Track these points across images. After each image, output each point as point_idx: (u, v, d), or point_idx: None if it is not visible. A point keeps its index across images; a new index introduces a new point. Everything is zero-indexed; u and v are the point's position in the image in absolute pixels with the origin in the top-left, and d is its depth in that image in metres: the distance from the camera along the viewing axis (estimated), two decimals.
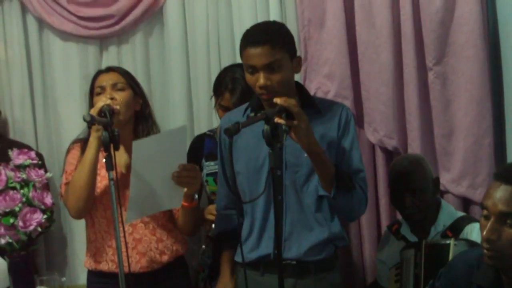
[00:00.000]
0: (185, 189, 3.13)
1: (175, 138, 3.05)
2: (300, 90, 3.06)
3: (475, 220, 3.38)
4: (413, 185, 3.37)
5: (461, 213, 3.51)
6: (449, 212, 3.46)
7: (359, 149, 3.08)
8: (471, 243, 3.12)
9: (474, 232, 3.29)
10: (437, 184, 3.49)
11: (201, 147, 3.65)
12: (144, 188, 3.01)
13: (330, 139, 2.99)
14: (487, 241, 2.34)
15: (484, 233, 2.34)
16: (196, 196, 3.26)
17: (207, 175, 3.61)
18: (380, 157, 3.88)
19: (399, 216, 3.60)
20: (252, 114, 3.01)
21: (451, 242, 3.13)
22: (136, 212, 3.06)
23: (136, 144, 2.91)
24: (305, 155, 2.91)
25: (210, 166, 3.61)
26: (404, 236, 3.48)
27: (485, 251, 2.38)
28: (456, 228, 3.35)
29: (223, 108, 3.52)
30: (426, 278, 3.12)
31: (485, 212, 2.37)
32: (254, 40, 2.86)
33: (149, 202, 3.09)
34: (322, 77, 3.90)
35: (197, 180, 3.14)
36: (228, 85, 3.48)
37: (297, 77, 3.75)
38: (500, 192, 2.32)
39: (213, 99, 3.65)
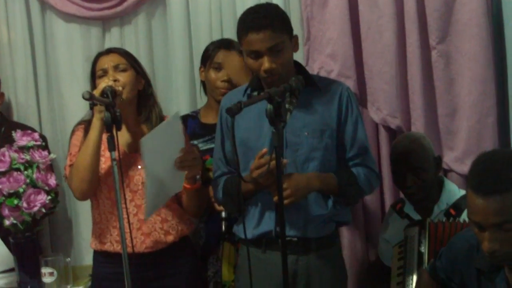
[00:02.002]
0: (186, 172, 3.16)
1: (172, 127, 3.07)
2: (299, 69, 3.08)
3: None
4: (414, 164, 3.38)
5: (464, 191, 3.51)
6: (452, 190, 3.47)
7: (364, 127, 3.14)
8: None
9: None
10: (438, 163, 3.49)
11: (185, 128, 3.64)
12: (157, 182, 3.05)
13: (328, 118, 3.03)
14: (492, 253, 2.32)
15: (486, 246, 2.31)
16: (198, 177, 3.28)
17: None
18: (383, 136, 3.88)
19: (403, 195, 3.61)
20: (255, 93, 3.02)
21: None
22: (153, 208, 3.13)
23: (144, 141, 2.93)
24: (305, 133, 2.96)
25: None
26: (408, 215, 3.48)
27: (488, 257, 2.37)
28: (459, 207, 3.36)
29: (216, 66, 3.57)
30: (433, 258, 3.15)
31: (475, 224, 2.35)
32: (255, 25, 2.88)
33: (160, 195, 3.14)
34: (325, 57, 3.88)
35: (198, 160, 3.17)
36: (221, 45, 3.57)
37: (300, 57, 3.77)
38: (485, 206, 2.27)
39: (201, 75, 3.73)
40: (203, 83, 3.76)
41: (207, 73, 3.64)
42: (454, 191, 3.48)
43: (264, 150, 2.84)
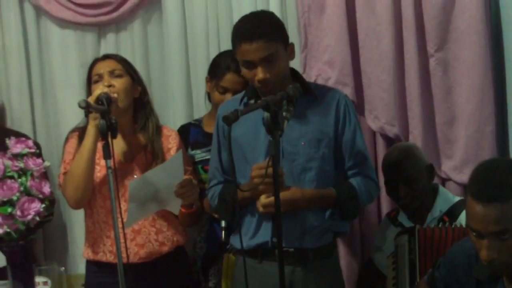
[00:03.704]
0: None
1: (172, 165, 3.08)
2: (295, 77, 3.06)
3: None
4: (406, 174, 3.37)
5: (458, 198, 3.51)
6: (446, 197, 3.47)
7: (362, 135, 3.11)
8: None
9: None
10: (431, 171, 3.49)
11: (187, 137, 3.63)
12: (142, 206, 3.08)
13: (325, 126, 3.01)
14: (490, 261, 2.31)
15: (485, 255, 2.30)
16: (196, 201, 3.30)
17: (194, 163, 3.57)
18: (381, 144, 3.86)
19: None
20: (252, 102, 3.00)
21: None
22: (134, 219, 3.12)
23: (132, 184, 2.99)
24: (302, 143, 2.95)
25: (197, 155, 3.60)
26: (401, 223, 3.48)
27: (487, 266, 2.35)
28: (453, 213, 3.36)
29: (222, 90, 3.50)
30: (427, 265, 3.14)
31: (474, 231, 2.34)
32: (248, 35, 2.87)
33: (147, 210, 3.15)
34: (323, 64, 3.86)
35: (194, 191, 3.16)
36: (230, 65, 3.47)
37: (297, 64, 3.75)
38: (485, 214, 2.26)
39: (206, 84, 3.65)
40: (208, 93, 3.70)
41: (212, 91, 3.58)
42: (448, 198, 3.48)
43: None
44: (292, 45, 3.01)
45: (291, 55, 3.01)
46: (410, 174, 3.38)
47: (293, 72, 3.10)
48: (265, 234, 2.98)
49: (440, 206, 3.43)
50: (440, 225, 3.28)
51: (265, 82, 2.88)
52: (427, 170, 3.45)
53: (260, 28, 2.86)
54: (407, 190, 3.37)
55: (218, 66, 3.56)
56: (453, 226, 3.24)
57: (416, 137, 3.72)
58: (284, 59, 2.94)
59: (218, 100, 3.52)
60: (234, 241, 3.11)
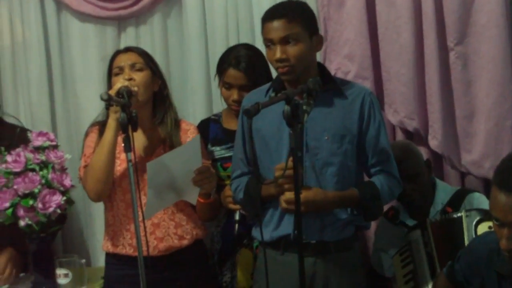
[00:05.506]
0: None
1: (190, 149, 3.10)
2: (321, 71, 3.06)
3: (472, 191, 3.47)
4: (409, 171, 3.37)
5: (456, 188, 3.55)
6: (445, 189, 3.52)
7: (386, 133, 3.11)
8: (484, 212, 3.14)
9: (474, 201, 3.36)
10: (429, 166, 3.53)
11: (207, 132, 3.62)
12: (160, 194, 3.08)
13: (349, 122, 3.00)
14: (509, 251, 2.31)
15: (504, 244, 2.31)
16: (213, 192, 3.29)
17: (213, 160, 3.56)
18: (400, 138, 3.86)
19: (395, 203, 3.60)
20: (273, 94, 3.00)
21: (463, 214, 3.17)
22: (153, 210, 3.13)
23: (150, 165, 2.97)
24: (325, 138, 2.94)
25: (216, 151, 3.59)
26: (403, 222, 3.50)
27: (507, 257, 2.36)
28: (455, 203, 3.41)
29: (226, 86, 3.50)
30: (442, 256, 3.17)
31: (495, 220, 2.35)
32: (271, 14, 2.93)
33: (165, 199, 3.15)
34: (342, 58, 3.87)
35: (212, 179, 3.18)
36: (232, 61, 3.48)
37: (317, 58, 3.73)
38: (506, 203, 2.27)
39: (217, 80, 3.65)
40: None
41: (219, 86, 3.58)
42: (447, 189, 3.53)
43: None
44: (321, 36, 3.02)
45: (318, 46, 3.02)
46: (414, 171, 3.41)
47: (320, 66, 3.10)
48: (287, 226, 2.99)
49: (441, 198, 3.47)
50: (442, 216, 3.33)
51: (282, 62, 2.90)
52: (425, 165, 3.48)
53: (283, 9, 2.93)
54: (413, 187, 3.39)
55: (222, 63, 3.57)
56: (456, 216, 3.25)
57: (435, 131, 3.72)
58: (306, 45, 2.93)
59: (226, 96, 3.53)
60: (256, 234, 3.11)
